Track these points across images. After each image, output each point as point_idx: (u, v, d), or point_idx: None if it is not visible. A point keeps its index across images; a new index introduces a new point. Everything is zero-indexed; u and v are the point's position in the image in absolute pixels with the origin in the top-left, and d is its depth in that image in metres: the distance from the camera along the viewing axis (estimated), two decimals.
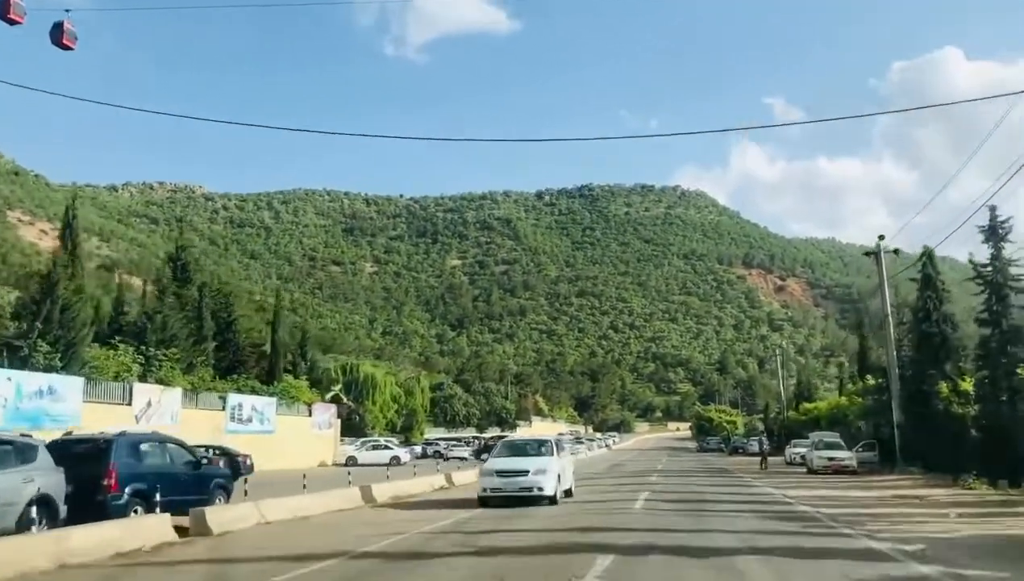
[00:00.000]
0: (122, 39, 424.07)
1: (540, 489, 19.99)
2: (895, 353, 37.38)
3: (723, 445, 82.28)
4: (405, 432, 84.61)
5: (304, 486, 21.80)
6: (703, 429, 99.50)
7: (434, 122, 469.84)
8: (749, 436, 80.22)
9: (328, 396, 75.92)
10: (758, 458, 54.13)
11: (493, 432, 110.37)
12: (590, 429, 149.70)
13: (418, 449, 75.61)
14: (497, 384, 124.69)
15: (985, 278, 28.80)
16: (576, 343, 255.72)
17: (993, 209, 28.52)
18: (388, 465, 56.65)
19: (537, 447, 22.78)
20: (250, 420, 48.86)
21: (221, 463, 35.64)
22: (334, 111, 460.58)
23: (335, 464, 56.43)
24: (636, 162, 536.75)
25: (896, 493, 25.55)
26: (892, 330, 37.59)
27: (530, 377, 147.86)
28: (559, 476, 20.93)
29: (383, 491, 23.93)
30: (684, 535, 14.24)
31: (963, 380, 30.90)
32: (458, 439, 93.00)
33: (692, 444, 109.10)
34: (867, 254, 38.49)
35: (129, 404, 38.51)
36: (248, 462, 38.18)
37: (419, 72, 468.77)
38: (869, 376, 45.16)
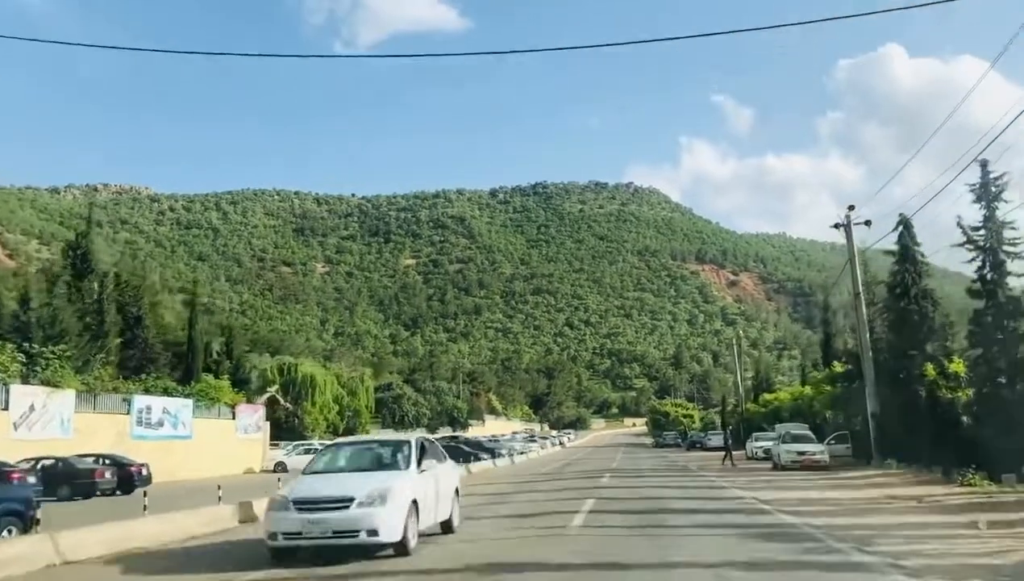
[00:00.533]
0: (68, 32, 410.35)
1: (372, 532, 11.02)
2: (867, 335, 33.55)
3: (680, 440, 78.68)
4: (348, 434, 79.61)
5: (219, 498, 18.64)
6: (659, 424, 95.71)
7: (387, 120, 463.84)
8: (707, 430, 76.66)
9: (263, 397, 70.72)
10: (718, 453, 50.32)
11: (444, 432, 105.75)
12: (546, 427, 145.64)
13: None
14: (449, 383, 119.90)
15: (977, 243, 24.92)
16: (532, 341, 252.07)
17: (985, 164, 24.70)
18: None
19: (381, 456, 13.39)
20: (161, 424, 43.63)
21: (111, 474, 30.79)
22: (285, 111, 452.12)
23: (264, 471, 51.43)
24: (589, 160, 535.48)
25: (887, 493, 21.51)
26: (864, 309, 33.73)
27: (483, 375, 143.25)
28: (416, 504, 11.94)
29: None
30: (637, 578, 9.82)
31: (951, 361, 26.99)
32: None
33: (648, 440, 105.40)
34: (836, 226, 34.46)
35: (6, 409, 33.22)
36: (144, 472, 33.07)
37: (370, 71, 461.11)
38: (836, 363, 41.37)
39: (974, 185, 25.19)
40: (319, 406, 74.63)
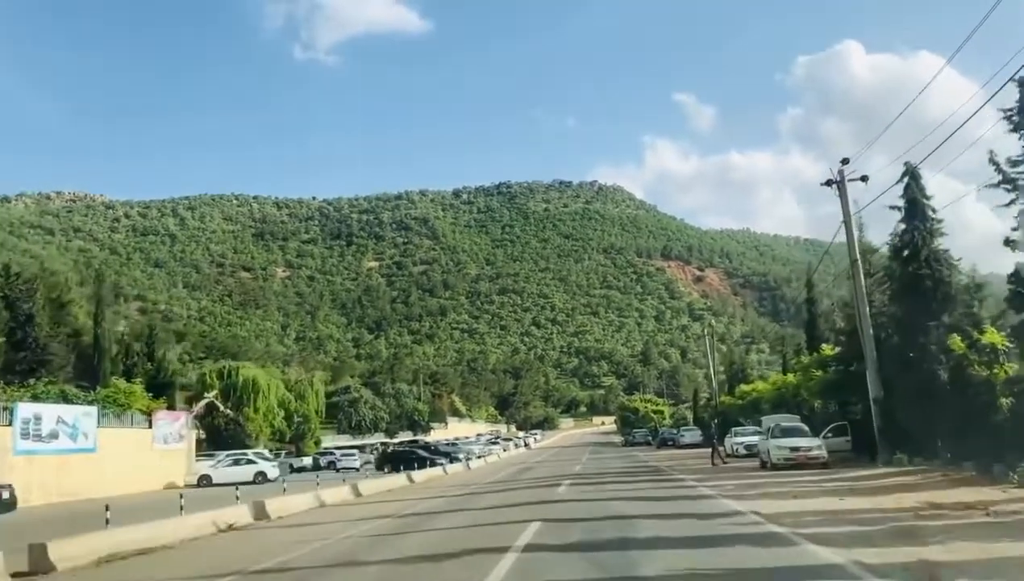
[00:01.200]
0: (20, 38, 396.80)
1: None
2: (867, 308, 28.33)
3: (651, 438, 73.51)
4: (297, 441, 73.43)
5: (107, 520, 15.28)
6: (628, 421, 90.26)
7: (348, 121, 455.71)
8: (679, 427, 71.49)
9: (201, 404, 64.42)
10: (692, 451, 45.14)
11: (405, 436, 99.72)
12: (513, 428, 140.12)
13: (307, 460, 64.79)
14: (410, 385, 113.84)
15: (1016, 181, 19.70)
16: (498, 341, 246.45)
17: None
18: (253, 482, 45.86)
19: None
20: (55, 436, 37.27)
21: None
22: (244, 115, 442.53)
23: (188, 485, 45.24)
24: (553, 160, 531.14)
25: (924, 499, 16.17)
26: (862, 279, 28.50)
27: (446, 377, 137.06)
28: None
29: (87, 545, 13.42)
30: None
31: (982, 331, 21.73)
32: (361, 447, 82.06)
33: (618, 438, 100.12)
34: (827, 184, 29.15)
35: None
36: (6, 495, 26.95)
37: (330, 71, 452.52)
38: (825, 346, 36.18)
39: (1009, 111, 20.01)
40: (263, 412, 68.32)
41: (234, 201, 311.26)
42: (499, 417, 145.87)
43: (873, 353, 27.81)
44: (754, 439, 35.60)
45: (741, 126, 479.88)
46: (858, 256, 28.66)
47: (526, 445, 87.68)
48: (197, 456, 50.94)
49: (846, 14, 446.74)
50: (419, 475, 39.37)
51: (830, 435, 30.83)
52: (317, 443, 76.72)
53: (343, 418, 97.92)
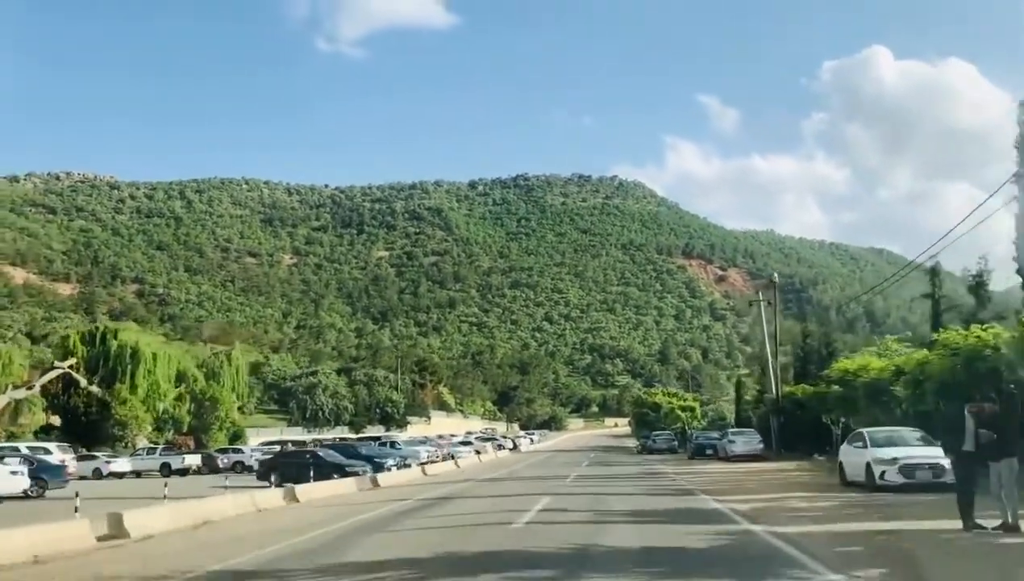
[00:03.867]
0: (50, 31, 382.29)
1: None
2: None
3: (676, 443, 52.33)
4: (200, 433, 52.88)
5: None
6: (646, 421, 66.83)
7: (367, 111, 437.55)
8: (721, 429, 50.00)
9: (48, 375, 44.31)
10: (750, 466, 24.36)
11: (374, 431, 79.38)
12: (515, 427, 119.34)
13: (193, 460, 44.15)
14: (387, 373, 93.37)
15: None
16: (508, 335, 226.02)
17: None
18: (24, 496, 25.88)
19: None
20: None
21: None
22: (260, 101, 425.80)
23: None
24: (571, 155, 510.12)
25: None
26: None
27: (435, 366, 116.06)
28: None
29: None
30: None
31: None
32: (303, 443, 61.69)
33: (632, 442, 78.92)
34: None
35: None
36: None
37: (351, 62, 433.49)
38: None
39: None
40: (143, 390, 47.95)
41: (244, 185, 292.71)
42: (498, 414, 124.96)
43: None
44: (933, 454, 14.93)
45: (764, 130, 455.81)
46: None
47: (514, 447, 66.80)
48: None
49: (875, 19, 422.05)
50: (311, 492, 19.46)
51: None
52: (236, 436, 56.11)
53: (295, 406, 77.69)
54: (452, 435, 72.53)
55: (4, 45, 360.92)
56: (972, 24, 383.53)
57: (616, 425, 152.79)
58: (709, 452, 39.88)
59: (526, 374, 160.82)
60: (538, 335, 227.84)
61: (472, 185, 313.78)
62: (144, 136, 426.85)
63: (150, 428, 49.24)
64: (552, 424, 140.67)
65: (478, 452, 53.39)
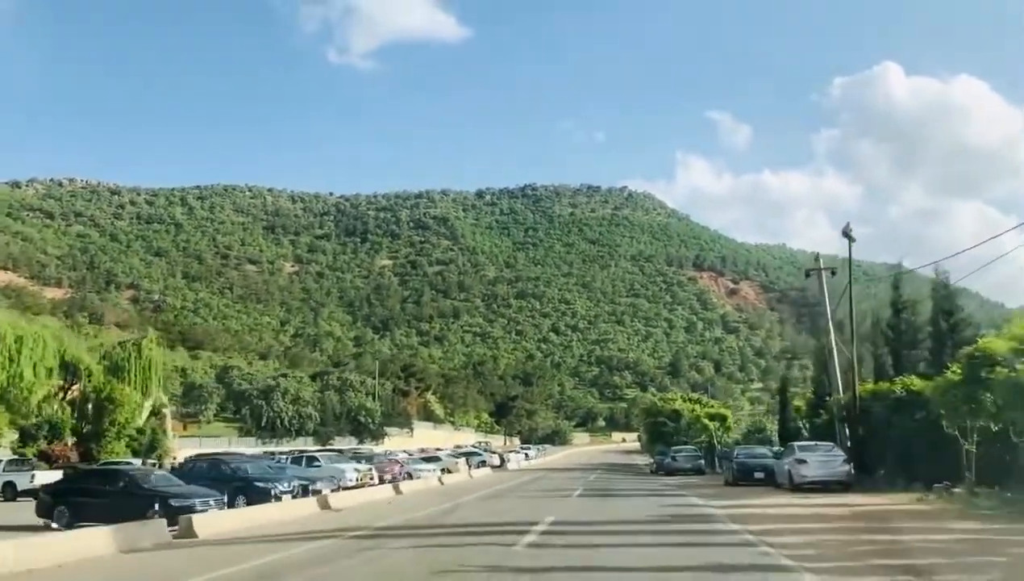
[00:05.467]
0: (59, 43, 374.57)
1: None
2: None
3: (702, 460, 39.23)
4: (92, 441, 40.02)
5: None
6: (661, 433, 53.01)
7: (375, 122, 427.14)
8: (762, 443, 37.09)
9: None
10: (826, 497, 11.44)
11: (345, 444, 66.71)
12: (515, 440, 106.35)
13: (51, 478, 31.12)
14: (362, 379, 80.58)
15: None
16: (513, 346, 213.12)
17: None
18: None
19: None
20: None
21: None
22: (266, 109, 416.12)
23: None
24: (580, 168, 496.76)
25: None
26: None
27: (424, 373, 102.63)
28: None
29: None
30: None
31: None
32: (222, 455, 48.99)
33: (643, 460, 65.68)
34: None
35: None
36: None
37: (358, 72, 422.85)
38: None
39: None
40: (1, 383, 35.42)
41: (247, 193, 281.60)
42: (495, 426, 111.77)
43: None
44: None
45: (775, 146, 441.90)
46: None
47: (501, 464, 53.83)
48: None
49: (886, 36, 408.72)
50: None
51: None
52: (153, 447, 43.19)
53: (248, 413, 65.05)
54: (437, 449, 59.90)
55: (18, 52, 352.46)
56: (983, 41, 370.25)
57: (624, 440, 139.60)
58: (759, 475, 26.93)
59: (529, 385, 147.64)
60: (544, 346, 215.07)
61: (479, 194, 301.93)
62: (152, 144, 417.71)
63: (15, 434, 36.95)
64: (556, 438, 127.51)
65: (447, 471, 40.59)
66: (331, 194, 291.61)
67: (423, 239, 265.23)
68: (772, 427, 39.47)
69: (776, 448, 33.06)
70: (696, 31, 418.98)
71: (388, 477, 33.56)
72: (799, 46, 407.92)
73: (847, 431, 29.60)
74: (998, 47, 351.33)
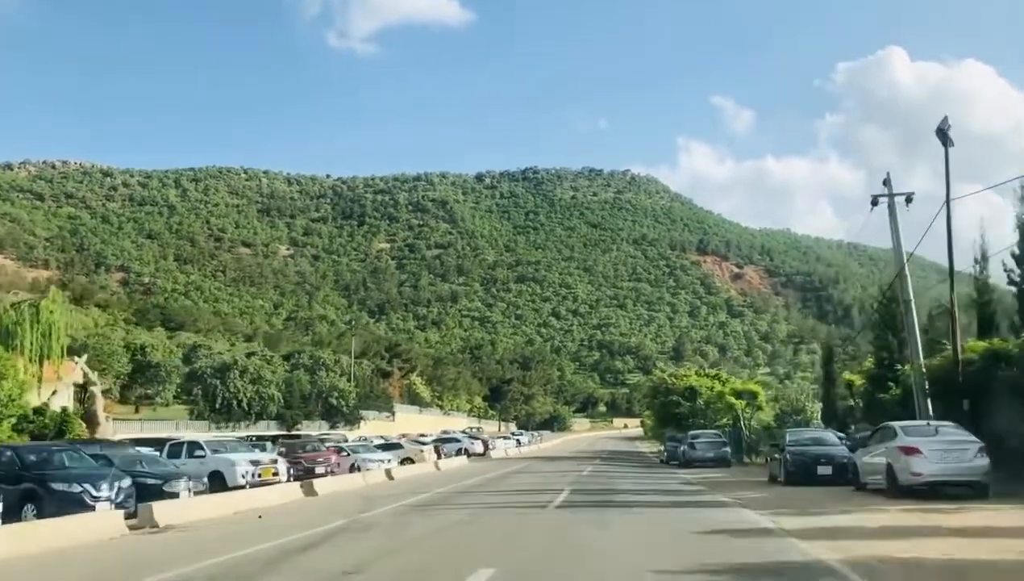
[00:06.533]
0: (58, 27, 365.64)
1: None
2: None
3: (728, 449, 29.96)
4: None
5: None
6: (673, 415, 43.12)
7: (375, 106, 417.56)
8: (798, 425, 28.05)
9: None
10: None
11: (313, 430, 58.19)
12: (511, 426, 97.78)
13: None
14: (335, 356, 71.92)
15: None
16: (512, 331, 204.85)
17: None
18: None
19: None
20: None
21: None
22: (262, 92, 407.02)
23: None
24: (583, 152, 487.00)
25: None
26: None
27: (411, 353, 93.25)
28: None
29: None
30: None
31: None
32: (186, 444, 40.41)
33: (647, 447, 56.92)
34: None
35: None
36: None
37: (362, 60, 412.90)
38: None
39: None
40: None
41: (243, 175, 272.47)
42: (489, 411, 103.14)
43: None
44: None
45: (778, 132, 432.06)
46: None
47: (484, 452, 45.22)
48: None
49: (890, 20, 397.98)
50: None
51: None
52: (63, 431, 34.41)
53: (200, 393, 56.48)
54: (421, 435, 51.32)
55: (17, 41, 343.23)
56: (990, 25, 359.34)
57: (626, 426, 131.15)
58: (824, 471, 18.17)
59: (528, 369, 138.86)
60: (544, 331, 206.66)
61: (479, 177, 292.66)
62: (149, 128, 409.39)
63: None
64: (555, 424, 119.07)
65: (408, 461, 31.93)
66: (328, 176, 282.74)
67: (421, 222, 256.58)
68: (813, 407, 30.70)
69: (846, 432, 24.10)
70: (699, 17, 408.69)
71: (322, 470, 24.97)
72: (802, 31, 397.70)
73: (930, 409, 20.71)
74: (1005, 31, 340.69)
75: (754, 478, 22.75)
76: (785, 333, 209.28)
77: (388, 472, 25.90)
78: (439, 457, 35.33)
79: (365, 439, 39.87)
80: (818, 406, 31.44)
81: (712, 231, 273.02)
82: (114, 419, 56.03)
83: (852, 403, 29.41)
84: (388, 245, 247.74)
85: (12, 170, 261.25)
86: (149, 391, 71.05)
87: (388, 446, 33.61)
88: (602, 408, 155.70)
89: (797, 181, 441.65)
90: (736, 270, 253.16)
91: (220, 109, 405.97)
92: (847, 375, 29.87)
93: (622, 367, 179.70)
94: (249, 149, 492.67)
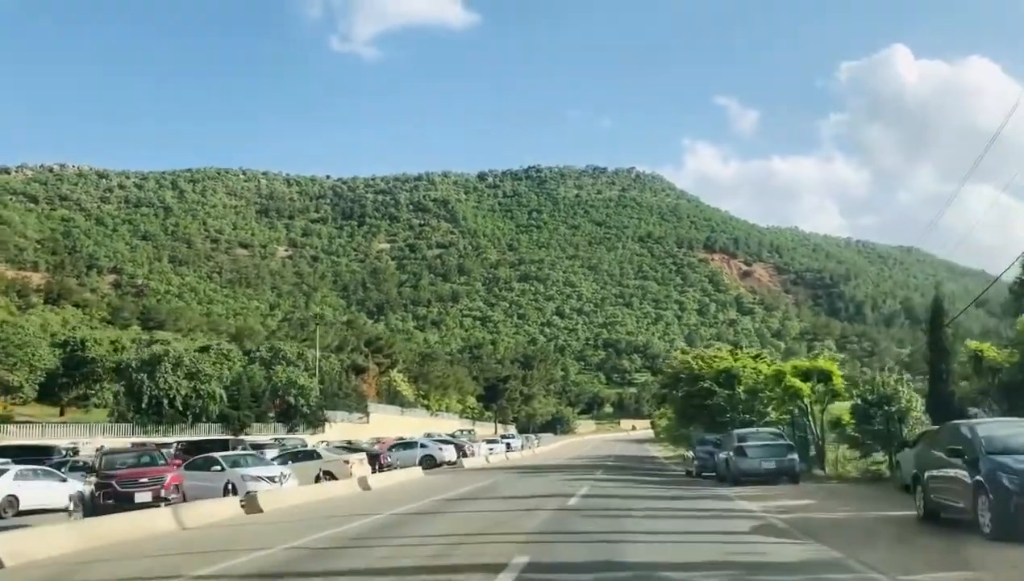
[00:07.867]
0: (55, 25, 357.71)
1: None
2: None
3: (795, 457, 19.41)
4: None
5: None
6: (700, 410, 30.76)
7: (375, 107, 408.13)
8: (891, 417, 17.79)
9: None
10: None
11: (265, 435, 47.99)
12: (511, 428, 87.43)
13: None
14: (301, 348, 61.54)
15: None
16: (515, 330, 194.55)
17: None
18: None
19: None
20: None
21: None
22: (274, 100, 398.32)
23: None
24: (587, 156, 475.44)
25: None
26: None
27: (392, 348, 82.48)
28: None
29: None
30: None
31: None
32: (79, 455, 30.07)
33: (660, 451, 46.18)
34: None
35: None
36: None
37: (364, 62, 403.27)
38: None
39: None
40: None
41: (241, 176, 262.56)
42: (484, 412, 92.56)
43: None
44: None
45: (783, 131, 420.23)
46: None
47: (456, 460, 34.77)
48: None
49: (894, 18, 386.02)
50: None
51: None
52: None
53: (123, 393, 46.18)
54: (399, 438, 41.26)
55: (13, 42, 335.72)
56: (995, 21, 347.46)
57: (634, 428, 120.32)
58: None
59: (530, 368, 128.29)
60: (547, 330, 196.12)
61: (481, 177, 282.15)
62: (149, 131, 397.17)
63: None
64: (558, 426, 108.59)
65: (328, 476, 21.58)
66: (328, 177, 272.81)
67: (423, 222, 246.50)
68: (907, 393, 20.46)
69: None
70: (701, 17, 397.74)
71: (146, 496, 14.71)
72: (806, 30, 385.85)
73: None
74: (1011, 27, 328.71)
75: (878, 510, 12.26)
76: (798, 330, 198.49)
77: (251, 503, 15.44)
78: (378, 470, 24.82)
79: (326, 443, 29.65)
80: (910, 392, 20.95)
81: (719, 229, 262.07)
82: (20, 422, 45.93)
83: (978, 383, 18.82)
84: (388, 245, 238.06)
85: (8, 174, 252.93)
86: (89, 392, 60.83)
87: (297, 454, 23.16)
88: (608, 409, 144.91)
89: (803, 180, 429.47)
90: (745, 267, 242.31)
91: (221, 112, 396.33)
92: (972, 343, 19.32)
93: (629, 366, 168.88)
94: (248, 151, 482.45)
